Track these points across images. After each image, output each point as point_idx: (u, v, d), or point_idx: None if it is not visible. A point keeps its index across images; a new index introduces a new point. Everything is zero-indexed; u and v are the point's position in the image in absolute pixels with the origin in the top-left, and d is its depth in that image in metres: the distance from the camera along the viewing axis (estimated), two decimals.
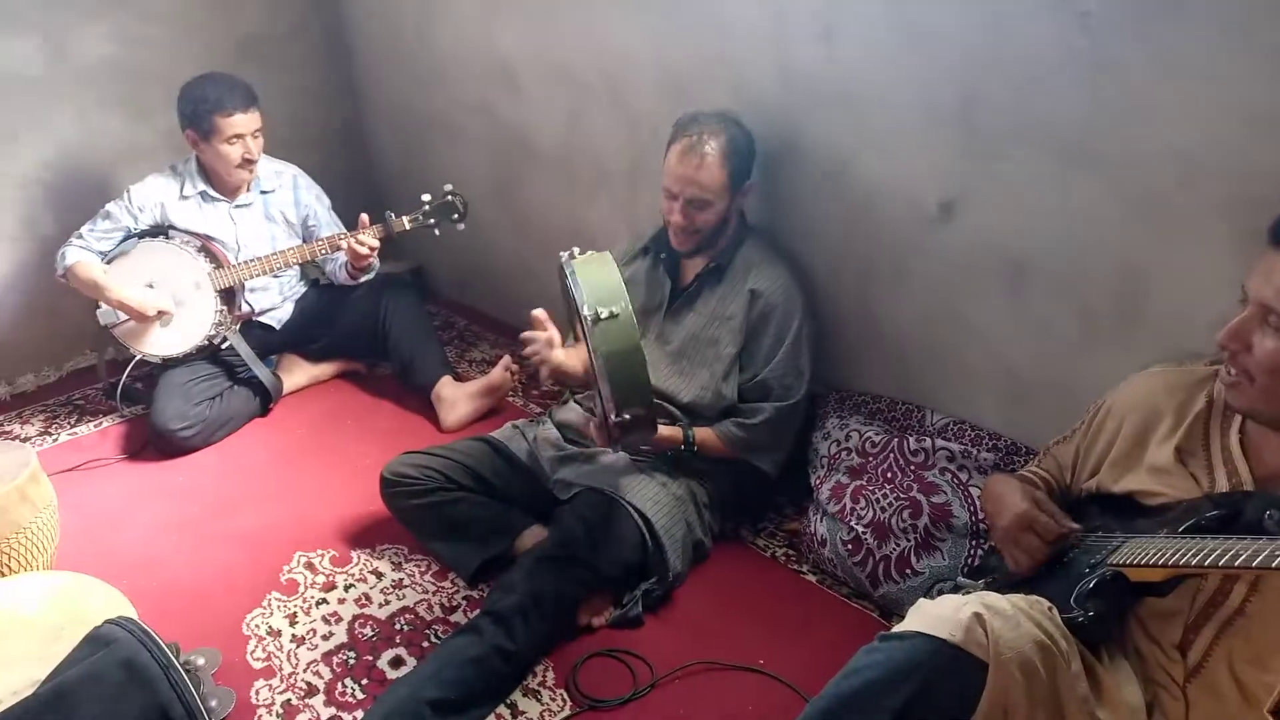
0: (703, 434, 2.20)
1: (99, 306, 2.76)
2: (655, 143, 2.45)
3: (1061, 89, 1.74)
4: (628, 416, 1.84)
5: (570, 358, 2.16)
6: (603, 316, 1.78)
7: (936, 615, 1.27)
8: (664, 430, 2.17)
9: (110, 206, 2.80)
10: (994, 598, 1.30)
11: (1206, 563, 1.16)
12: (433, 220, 2.90)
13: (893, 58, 1.98)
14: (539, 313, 2.12)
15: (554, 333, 2.13)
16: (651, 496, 2.11)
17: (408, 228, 2.87)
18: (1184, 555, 1.20)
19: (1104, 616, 1.35)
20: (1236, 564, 1.11)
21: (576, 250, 1.95)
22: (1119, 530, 1.42)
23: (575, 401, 2.39)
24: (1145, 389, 1.52)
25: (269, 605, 2.16)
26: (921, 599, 1.36)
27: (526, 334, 2.14)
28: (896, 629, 1.31)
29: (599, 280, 1.83)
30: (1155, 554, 1.26)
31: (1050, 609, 1.35)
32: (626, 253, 2.41)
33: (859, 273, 2.24)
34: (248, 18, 3.40)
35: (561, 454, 2.28)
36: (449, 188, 2.90)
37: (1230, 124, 1.55)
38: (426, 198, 2.89)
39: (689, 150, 2.09)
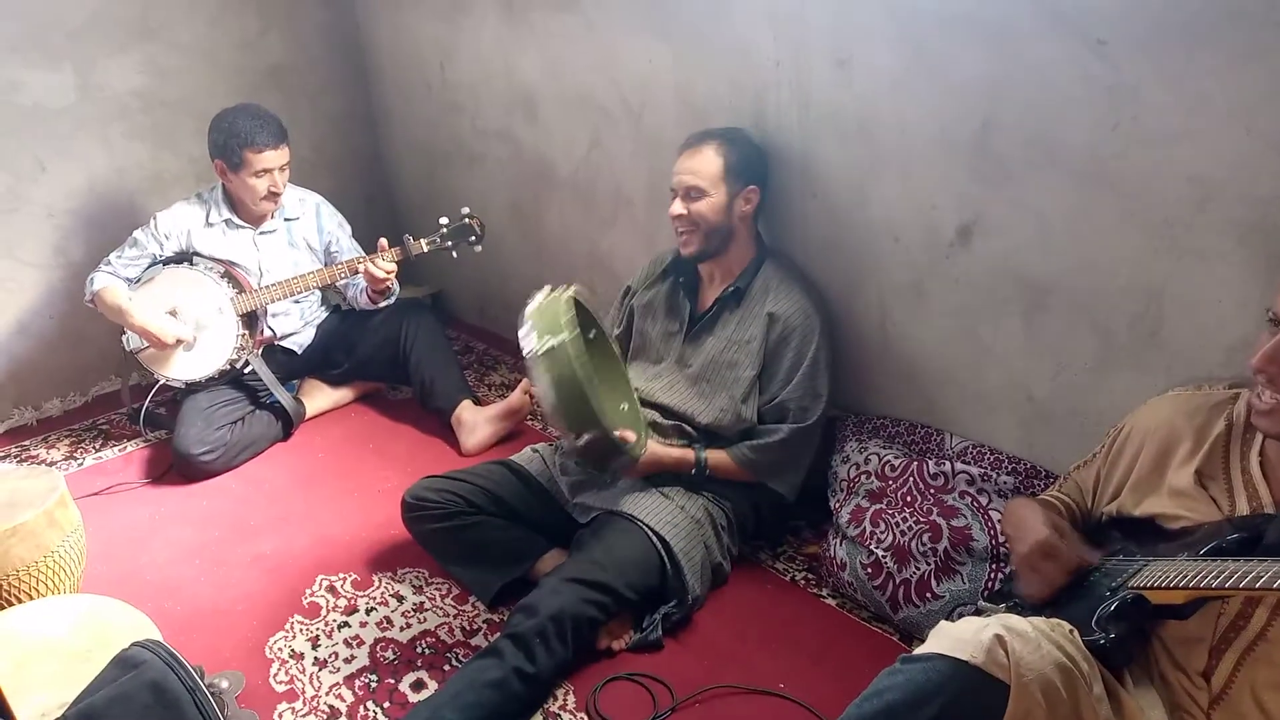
0: (716, 457, 2.21)
1: (124, 332, 2.80)
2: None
3: (1078, 114, 1.75)
4: (586, 439, 1.93)
5: None
6: (544, 349, 1.86)
7: (957, 637, 1.27)
8: (674, 452, 2.19)
9: (137, 234, 2.85)
10: (1015, 620, 1.30)
11: (1228, 584, 1.16)
12: (450, 243, 2.94)
13: (909, 85, 2.01)
14: None
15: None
16: (670, 520, 2.12)
17: (425, 250, 2.91)
18: (1205, 577, 1.20)
19: (1126, 639, 1.34)
20: (1258, 586, 1.11)
21: (548, 289, 2.04)
22: (1140, 554, 1.43)
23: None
24: (1164, 412, 1.53)
25: (291, 628, 2.17)
26: (942, 621, 1.36)
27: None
28: (918, 651, 1.31)
29: (546, 315, 1.91)
30: (1176, 576, 1.26)
31: (1072, 631, 1.35)
32: (647, 276, 2.45)
33: (877, 297, 2.25)
34: (272, 48, 3.47)
35: (581, 478, 2.29)
36: (466, 211, 2.94)
37: (1247, 148, 1.56)
38: (444, 221, 2.94)
39: (689, 145, 2.21)
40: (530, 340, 1.89)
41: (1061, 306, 1.91)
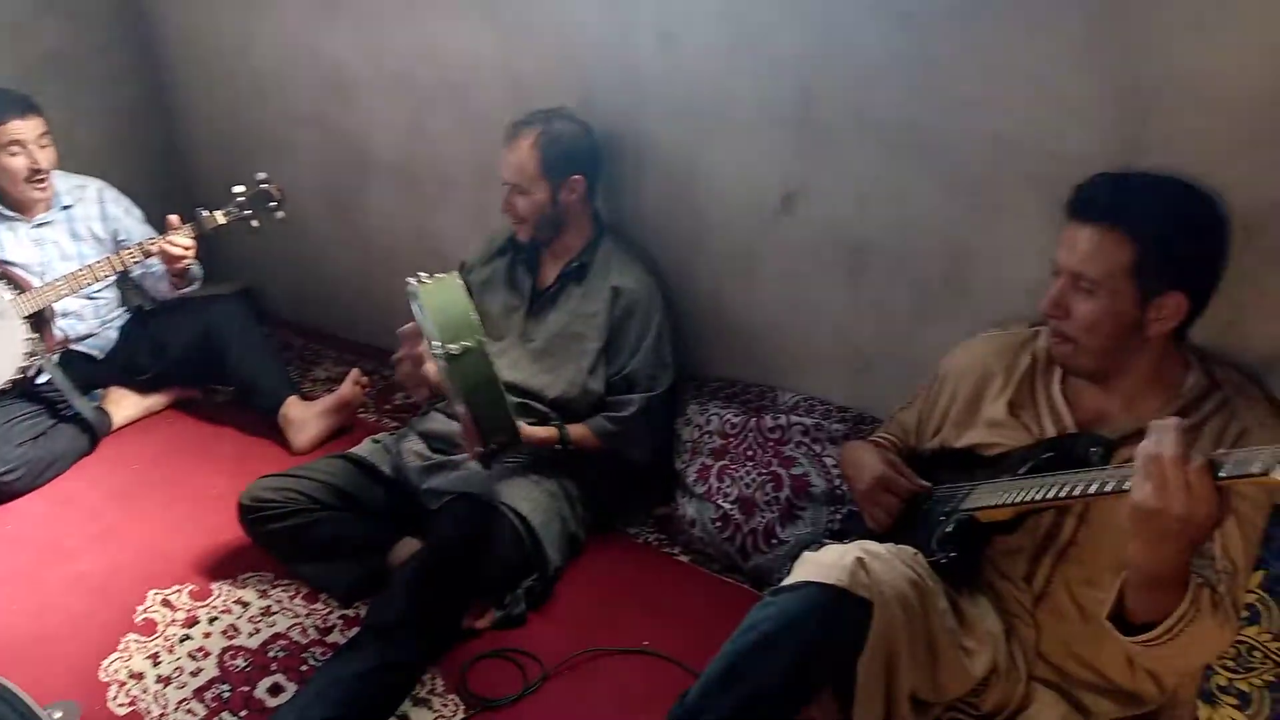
0: (577, 431, 2.25)
1: None
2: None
3: (889, 84, 1.90)
4: (494, 446, 1.90)
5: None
6: (455, 353, 1.80)
7: (823, 564, 1.37)
8: (539, 431, 2.21)
9: None
10: (871, 544, 1.42)
11: (1048, 496, 1.31)
12: (249, 212, 2.73)
13: (732, 60, 2.10)
14: (408, 329, 2.07)
15: (424, 347, 2.08)
16: (525, 495, 2.14)
17: (222, 223, 2.69)
18: (1026, 493, 1.35)
19: (963, 556, 1.49)
20: (1075, 494, 1.27)
21: (423, 275, 1.95)
22: (965, 480, 1.58)
23: (438, 410, 2.37)
24: (976, 354, 1.69)
25: (126, 648, 2.04)
26: (805, 552, 1.46)
27: (397, 355, 2.10)
28: (786, 581, 1.40)
29: (447, 313, 1.84)
30: (1002, 495, 1.41)
31: (915, 554, 1.48)
32: (483, 253, 2.45)
33: (709, 266, 2.35)
34: (48, 32, 3.17)
35: (428, 464, 2.26)
36: (262, 176, 2.73)
37: (1036, 111, 1.75)
38: (239, 189, 2.72)
39: (507, 139, 2.22)
40: (433, 339, 1.82)
41: (880, 265, 2.07)
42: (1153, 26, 1.58)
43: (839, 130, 2.01)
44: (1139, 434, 1.16)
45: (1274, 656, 1.65)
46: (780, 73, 2.04)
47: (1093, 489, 1.24)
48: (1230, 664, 1.69)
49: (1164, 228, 1.35)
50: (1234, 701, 1.70)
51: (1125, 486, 1.16)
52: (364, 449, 2.33)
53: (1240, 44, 1.51)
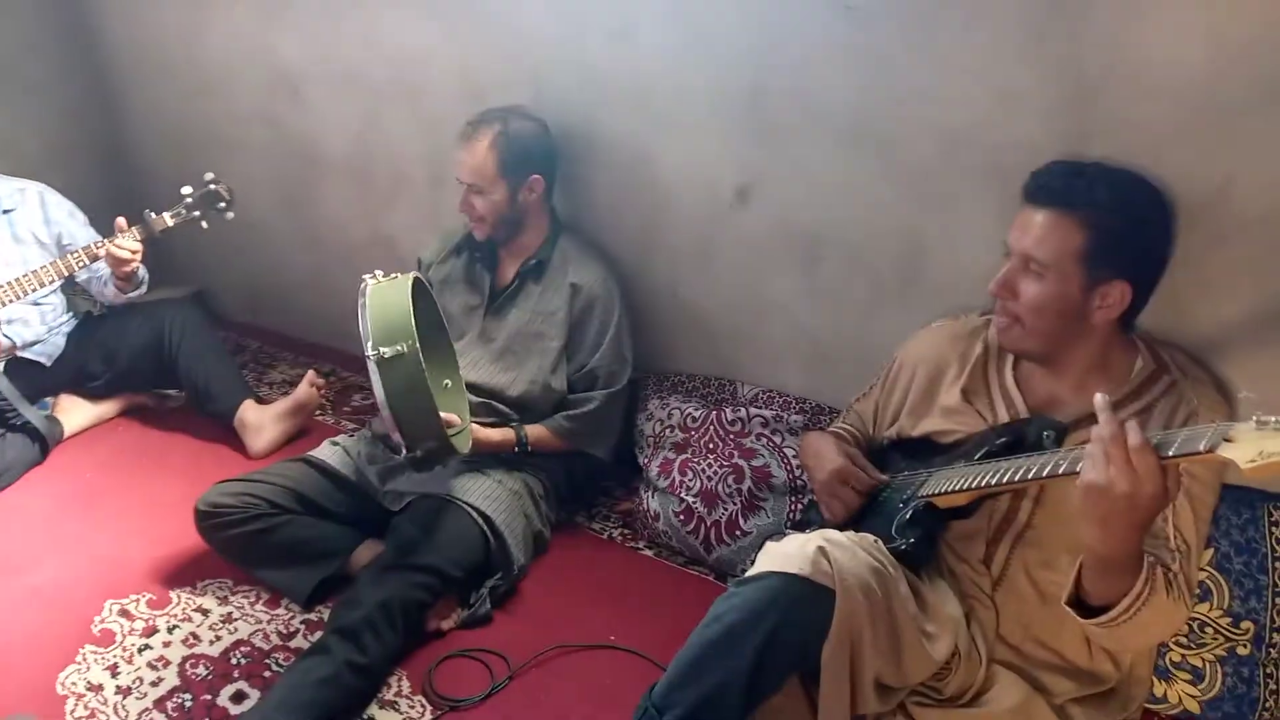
0: (535, 432, 2.25)
1: None
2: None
3: (837, 77, 1.92)
4: (419, 453, 1.88)
5: None
6: (386, 356, 1.79)
7: (785, 553, 1.39)
8: (494, 434, 2.21)
9: None
10: (832, 533, 1.43)
11: (1004, 480, 1.33)
12: (197, 212, 2.69)
13: (684, 55, 2.11)
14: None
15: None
16: (488, 494, 2.14)
17: (170, 224, 2.66)
18: (983, 478, 1.38)
19: (922, 542, 1.51)
20: (1030, 476, 1.29)
21: (379, 274, 1.93)
22: (922, 468, 1.60)
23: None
24: (931, 342, 1.71)
25: (84, 660, 2.00)
26: (768, 542, 1.47)
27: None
28: (749, 572, 1.41)
29: (387, 315, 1.83)
30: (959, 481, 1.43)
31: (876, 541, 1.49)
32: (439, 251, 2.44)
33: (665, 260, 2.36)
34: None
35: (389, 465, 2.24)
36: (210, 176, 2.71)
37: (982, 101, 1.77)
38: (187, 190, 2.69)
39: (464, 139, 2.20)
40: (367, 340, 1.81)
41: (834, 256, 2.09)
42: (1094, 17, 1.61)
43: (789, 124, 2.02)
44: (1091, 418, 1.18)
45: (1225, 632, 1.71)
46: (730, 68, 2.06)
47: (1046, 471, 1.26)
48: (1183, 640, 1.74)
49: (1115, 217, 1.37)
50: (1187, 677, 1.75)
51: (1078, 468, 1.18)
52: (323, 451, 2.30)
53: (1178, 31, 1.55)
